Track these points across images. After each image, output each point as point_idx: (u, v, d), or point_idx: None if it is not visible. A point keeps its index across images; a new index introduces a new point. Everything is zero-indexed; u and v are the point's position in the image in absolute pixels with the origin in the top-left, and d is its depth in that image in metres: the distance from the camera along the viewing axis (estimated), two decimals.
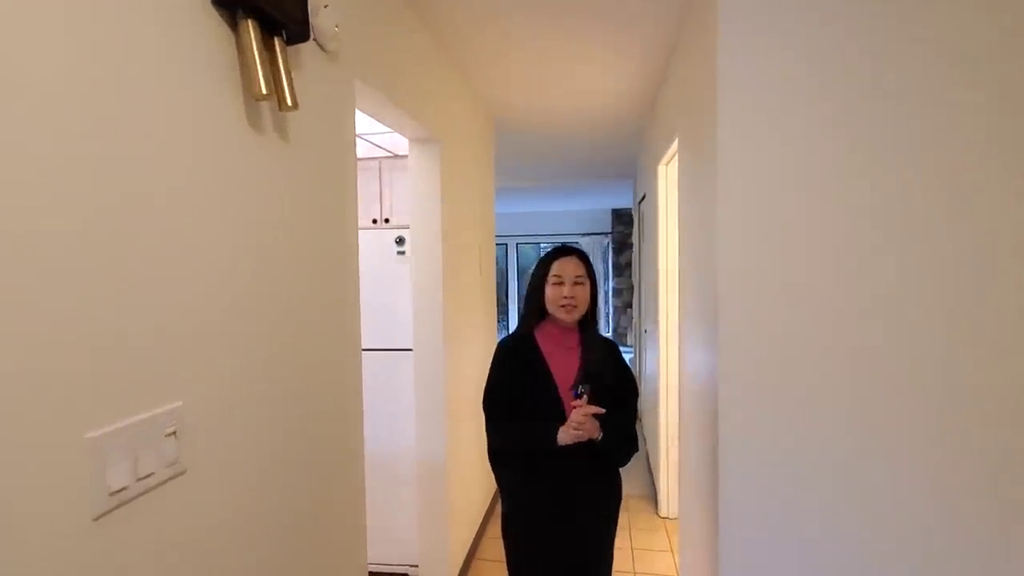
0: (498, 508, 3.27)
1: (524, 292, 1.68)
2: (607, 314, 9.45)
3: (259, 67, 0.98)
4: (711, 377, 1.54)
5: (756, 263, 1.44)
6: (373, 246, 2.72)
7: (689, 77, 1.96)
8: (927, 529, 1.38)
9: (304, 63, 1.23)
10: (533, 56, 2.46)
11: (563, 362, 1.57)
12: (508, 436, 1.59)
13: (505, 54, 2.44)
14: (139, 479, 0.78)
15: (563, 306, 1.55)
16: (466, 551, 2.69)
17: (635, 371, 5.51)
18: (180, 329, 0.86)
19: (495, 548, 2.86)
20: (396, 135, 2.48)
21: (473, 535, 2.84)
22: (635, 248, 5.49)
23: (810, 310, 1.40)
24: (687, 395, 2.07)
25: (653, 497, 3.40)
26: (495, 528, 3.07)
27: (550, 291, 1.57)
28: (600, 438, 1.50)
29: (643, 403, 4.59)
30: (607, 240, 9.30)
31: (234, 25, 0.98)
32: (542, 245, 10.83)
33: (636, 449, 1.60)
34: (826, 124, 1.39)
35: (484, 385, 1.66)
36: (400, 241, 2.53)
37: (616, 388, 1.57)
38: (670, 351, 2.99)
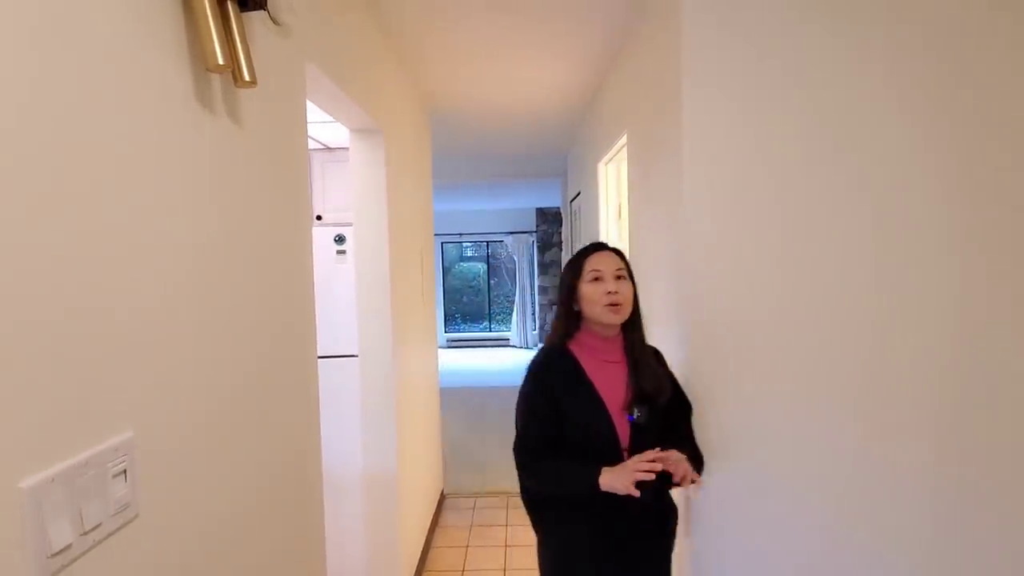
0: (444, 518, 3.17)
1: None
2: (533, 312, 9.58)
3: (213, 32, 0.83)
4: (681, 373, 1.56)
5: (723, 261, 1.47)
6: None
7: (642, 75, 1.98)
8: (890, 520, 1.48)
9: (255, 36, 1.08)
10: (475, 51, 2.39)
11: (609, 378, 1.30)
12: (544, 479, 1.32)
13: (447, 48, 2.35)
14: (84, 532, 0.63)
15: (608, 305, 1.27)
16: (415, 563, 2.57)
17: None
18: (125, 341, 0.70)
19: (444, 559, 2.77)
20: (332, 127, 2.30)
21: (421, 545, 2.72)
22: (565, 246, 5.57)
23: (775, 305, 1.46)
24: None
25: None
26: (443, 538, 2.96)
27: (588, 289, 1.30)
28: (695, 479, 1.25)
29: None
30: (532, 239, 9.41)
31: None
32: (465, 244, 10.76)
33: (702, 467, 1.37)
34: (791, 120, 1.44)
35: (516, 418, 1.36)
36: (340, 239, 2.36)
37: (672, 405, 1.34)
38: None
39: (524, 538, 2.91)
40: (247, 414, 1.02)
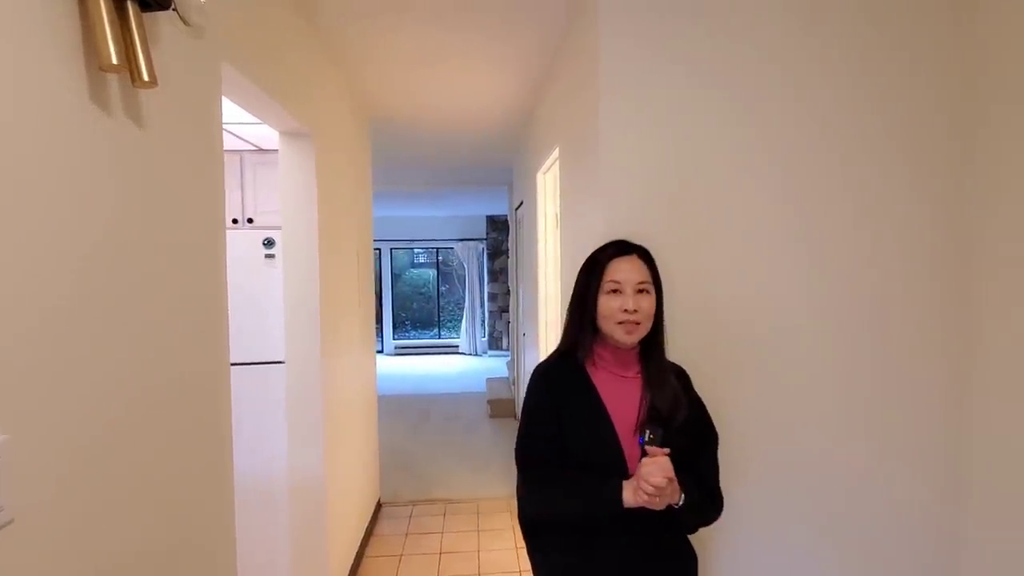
0: (380, 527, 3.14)
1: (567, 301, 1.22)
2: (482, 319, 9.60)
3: (108, 31, 0.83)
4: None
5: None
6: (236, 249, 2.44)
7: (571, 89, 2.06)
8: (824, 512, 1.59)
9: (163, 37, 1.07)
10: (413, 59, 2.41)
11: (621, 396, 1.15)
12: (553, 500, 1.13)
13: (384, 54, 2.36)
14: None
15: (621, 323, 1.13)
16: (346, 573, 2.53)
17: (513, 374, 5.66)
18: (2, 344, 0.69)
19: (376, 568, 2.73)
20: (261, 127, 2.27)
21: (354, 554, 2.68)
22: (511, 254, 5.64)
23: (689, 305, 1.54)
24: None
25: None
26: (376, 547, 2.93)
27: (604, 302, 1.14)
28: (681, 502, 1.08)
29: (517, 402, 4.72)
30: (482, 246, 9.45)
31: None
32: (416, 251, 10.68)
33: (720, 510, 1.18)
34: (700, 131, 1.55)
35: (519, 433, 1.21)
36: (269, 243, 2.31)
37: (691, 430, 1.17)
38: (549, 352, 3.10)
39: (459, 545, 2.92)
40: (147, 421, 1.00)
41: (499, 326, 9.35)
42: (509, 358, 6.59)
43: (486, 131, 3.76)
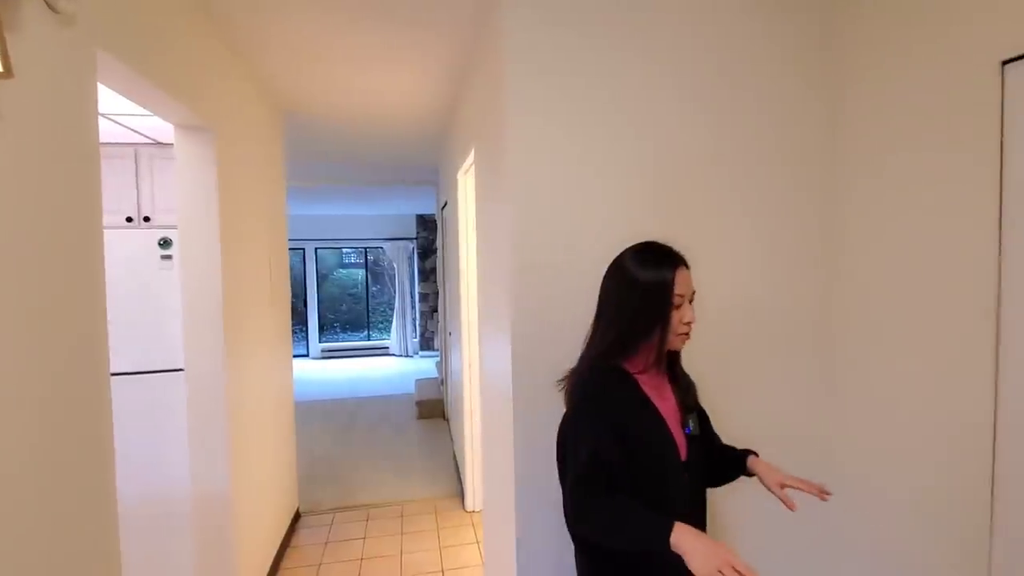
0: (298, 538, 3.02)
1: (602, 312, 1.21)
2: (414, 320, 9.46)
3: None
4: (507, 372, 1.65)
5: (544, 260, 1.59)
6: (128, 249, 2.29)
7: (484, 91, 2.08)
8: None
9: (26, 23, 0.98)
10: (323, 53, 2.34)
11: (663, 396, 1.21)
12: (602, 518, 1.03)
13: (292, 47, 2.27)
14: None
15: (683, 334, 1.16)
16: None
17: (442, 374, 5.63)
18: None
19: None
20: (156, 119, 2.12)
21: (268, 567, 2.56)
22: (439, 253, 5.60)
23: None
24: (488, 392, 2.19)
25: (460, 494, 3.50)
26: (294, 559, 2.82)
27: (675, 315, 1.13)
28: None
29: (450, 403, 4.70)
30: (412, 245, 9.31)
31: None
32: (344, 250, 10.35)
33: None
34: (603, 133, 1.61)
35: (567, 445, 1.14)
36: (165, 243, 2.17)
37: (707, 423, 1.30)
38: (472, 351, 3.12)
39: (381, 550, 2.87)
40: (8, 440, 0.91)
41: (431, 326, 9.25)
42: (439, 358, 6.55)
43: (409, 129, 3.71)
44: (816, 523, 1.78)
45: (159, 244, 2.16)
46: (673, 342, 1.16)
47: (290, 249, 9.77)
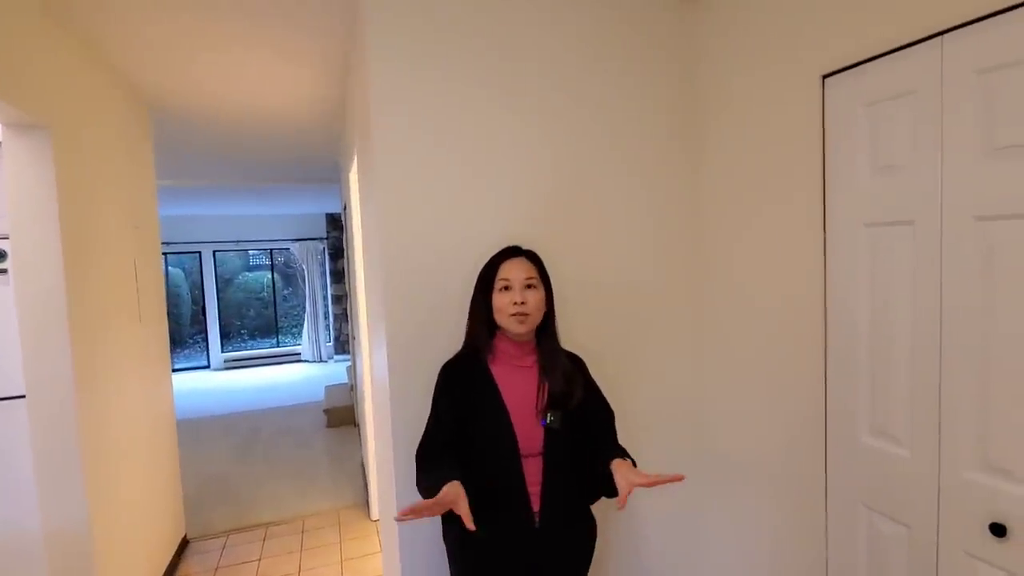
0: (185, 566, 2.81)
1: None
2: (327, 324, 9.08)
3: None
4: (384, 370, 1.61)
5: (414, 260, 1.56)
6: None
7: (359, 91, 2.01)
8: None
9: None
10: (190, 46, 2.16)
11: (519, 383, 1.32)
12: (423, 475, 1.26)
13: (154, 41, 2.08)
14: None
15: (513, 315, 1.29)
16: None
17: (353, 379, 5.44)
18: None
19: None
20: None
21: None
22: (346, 255, 5.40)
23: (463, 298, 1.59)
24: (377, 395, 2.13)
25: (367, 503, 3.41)
26: None
27: (497, 299, 1.31)
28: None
29: (358, 409, 4.55)
30: (323, 246, 8.93)
31: None
32: (251, 252, 9.73)
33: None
34: (466, 133, 1.60)
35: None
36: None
37: (586, 409, 1.35)
38: (367, 353, 3.04)
39: (278, 569, 2.73)
40: None
41: (345, 329, 8.90)
42: (349, 363, 6.34)
43: (306, 128, 3.53)
44: (684, 486, 1.86)
45: None
46: (507, 323, 1.31)
47: (183, 253, 9.07)
